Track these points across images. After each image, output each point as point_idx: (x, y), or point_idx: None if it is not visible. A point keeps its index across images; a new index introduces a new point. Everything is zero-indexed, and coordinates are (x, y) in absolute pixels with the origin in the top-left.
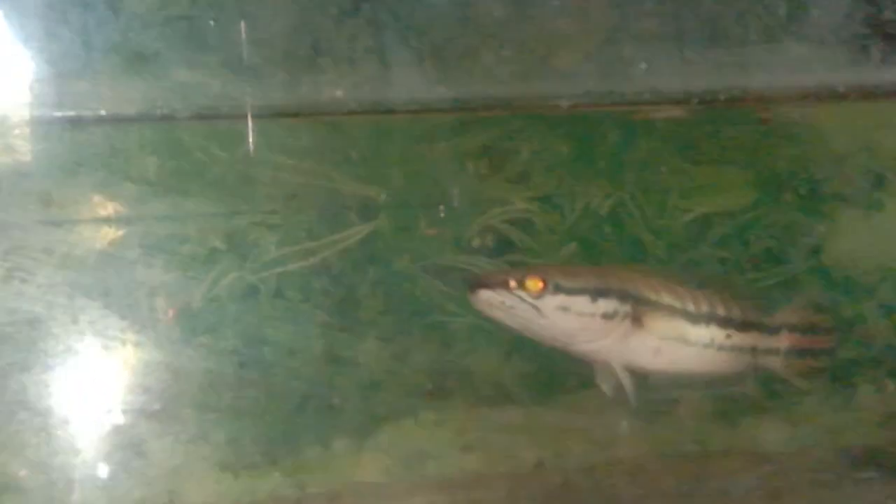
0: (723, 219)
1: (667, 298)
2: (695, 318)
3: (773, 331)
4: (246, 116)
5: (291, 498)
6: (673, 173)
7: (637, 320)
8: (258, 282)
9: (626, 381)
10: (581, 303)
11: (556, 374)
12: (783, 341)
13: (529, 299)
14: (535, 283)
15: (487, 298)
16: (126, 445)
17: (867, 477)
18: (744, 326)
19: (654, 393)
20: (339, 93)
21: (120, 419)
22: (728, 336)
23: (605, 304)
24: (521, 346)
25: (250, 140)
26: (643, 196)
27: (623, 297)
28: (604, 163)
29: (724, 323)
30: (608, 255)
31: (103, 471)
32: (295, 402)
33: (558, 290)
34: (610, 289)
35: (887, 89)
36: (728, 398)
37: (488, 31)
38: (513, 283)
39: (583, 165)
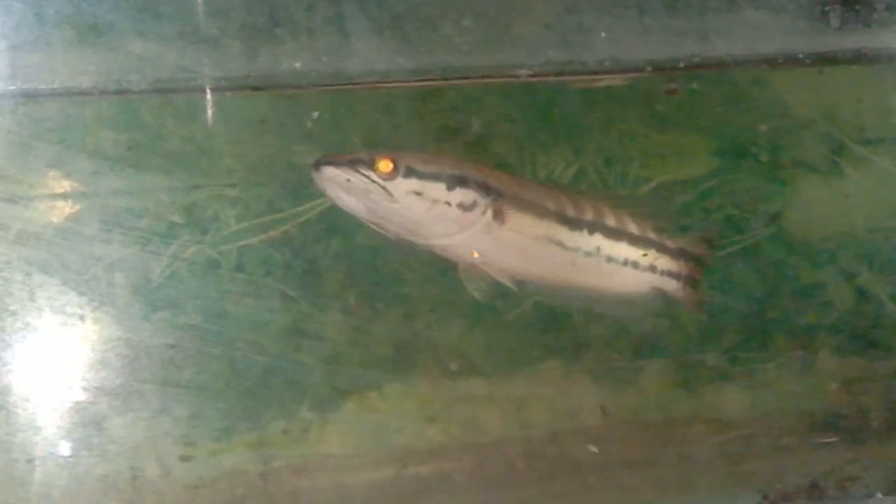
0: (683, 187)
1: (535, 197)
2: (573, 223)
3: (675, 254)
4: (203, 89)
5: (255, 472)
6: (633, 141)
7: (499, 215)
8: (218, 256)
9: (495, 274)
10: (436, 189)
11: (519, 344)
12: (683, 268)
13: (379, 180)
14: (385, 164)
15: (332, 176)
16: (87, 422)
17: (828, 441)
18: (642, 242)
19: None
20: (297, 64)
21: (80, 396)
22: (621, 248)
23: (463, 194)
24: (485, 317)
25: (208, 112)
26: (605, 165)
27: (484, 189)
28: (565, 132)
29: (615, 234)
30: None
31: (64, 448)
32: (257, 376)
33: (411, 173)
34: (468, 178)
35: (846, 55)
36: (690, 366)
37: (448, 0)
38: (361, 163)
39: (544, 135)
